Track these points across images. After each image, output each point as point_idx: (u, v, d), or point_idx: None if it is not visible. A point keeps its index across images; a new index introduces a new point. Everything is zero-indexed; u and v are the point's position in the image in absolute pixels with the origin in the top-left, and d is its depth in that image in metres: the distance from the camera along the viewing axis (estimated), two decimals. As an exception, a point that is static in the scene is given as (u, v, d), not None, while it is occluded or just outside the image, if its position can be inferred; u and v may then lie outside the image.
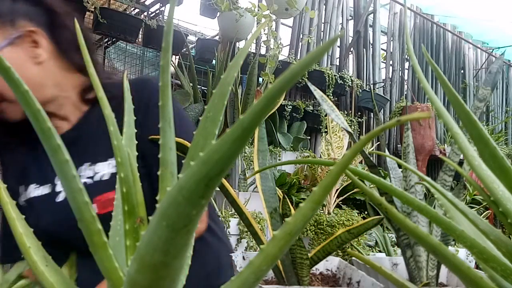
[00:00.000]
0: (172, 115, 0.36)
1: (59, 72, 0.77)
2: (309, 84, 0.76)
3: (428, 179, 0.47)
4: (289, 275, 0.66)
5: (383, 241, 1.59)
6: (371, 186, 1.34)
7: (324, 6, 3.94)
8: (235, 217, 1.95)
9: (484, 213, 2.18)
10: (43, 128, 0.30)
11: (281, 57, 3.10)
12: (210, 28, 5.65)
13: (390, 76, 4.45)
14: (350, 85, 3.75)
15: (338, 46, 4.11)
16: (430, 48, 4.89)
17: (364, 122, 3.93)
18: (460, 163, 0.63)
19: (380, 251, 1.63)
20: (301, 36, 3.76)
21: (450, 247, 0.58)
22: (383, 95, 4.11)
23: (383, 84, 4.31)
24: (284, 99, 3.23)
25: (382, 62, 4.40)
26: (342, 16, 4.08)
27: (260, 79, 2.90)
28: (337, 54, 4.14)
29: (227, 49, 2.77)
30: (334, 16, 3.96)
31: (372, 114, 3.96)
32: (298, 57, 3.70)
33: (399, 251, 1.38)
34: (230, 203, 0.67)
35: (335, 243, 0.65)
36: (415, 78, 4.57)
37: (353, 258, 0.70)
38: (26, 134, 0.72)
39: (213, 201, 2.03)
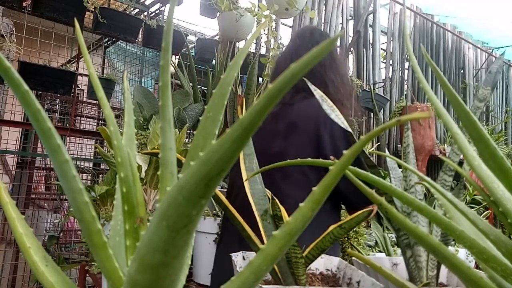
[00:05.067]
0: (172, 115, 0.36)
1: None
2: (309, 84, 0.76)
3: (428, 179, 0.47)
4: (285, 275, 0.66)
5: (383, 241, 1.59)
6: (371, 186, 1.34)
7: (324, 6, 3.93)
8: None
9: (484, 213, 2.18)
10: (43, 128, 0.30)
11: (281, 57, 3.09)
12: (210, 28, 5.65)
13: (390, 76, 4.45)
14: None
15: (338, 46, 4.11)
16: (430, 48, 4.89)
17: (364, 122, 3.93)
18: (460, 163, 0.63)
19: (380, 251, 1.63)
20: (301, 36, 3.76)
21: (450, 247, 0.58)
22: (383, 95, 4.10)
23: (383, 84, 4.31)
24: (284, 99, 3.23)
25: (382, 62, 4.39)
26: (342, 16, 4.07)
27: (260, 79, 2.90)
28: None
29: (227, 49, 2.77)
30: (334, 16, 3.95)
31: (372, 114, 3.95)
32: (298, 57, 3.70)
33: (399, 251, 1.38)
34: (222, 209, 0.67)
35: (328, 239, 0.65)
36: (415, 78, 4.57)
37: (353, 258, 0.70)
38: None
39: (213, 199, 2.02)
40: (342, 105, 1.23)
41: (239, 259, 0.76)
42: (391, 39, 4.50)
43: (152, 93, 2.38)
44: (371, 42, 4.21)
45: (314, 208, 0.28)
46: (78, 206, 0.32)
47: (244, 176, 0.72)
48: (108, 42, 3.78)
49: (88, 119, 4.53)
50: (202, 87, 3.21)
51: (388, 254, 1.46)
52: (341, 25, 4.07)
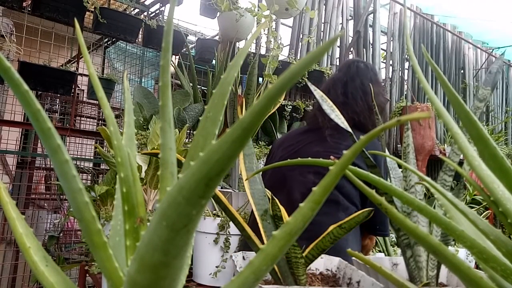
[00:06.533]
0: (172, 115, 0.36)
1: None
2: (309, 84, 0.76)
3: (428, 179, 0.47)
4: (285, 275, 0.66)
5: (382, 242, 1.60)
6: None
7: (324, 6, 3.93)
8: (235, 217, 1.94)
9: (484, 213, 2.18)
10: (43, 128, 0.30)
11: (281, 57, 3.10)
12: (210, 28, 5.65)
13: (390, 76, 4.44)
14: (350, 85, 3.74)
15: (338, 46, 4.11)
16: (430, 48, 4.89)
17: (364, 122, 3.92)
18: (460, 163, 0.63)
19: (380, 251, 1.63)
20: (301, 36, 3.76)
21: (450, 247, 0.58)
22: (383, 95, 4.10)
23: (383, 84, 4.31)
24: (284, 99, 3.23)
25: (382, 62, 4.39)
26: (342, 16, 4.07)
27: (260, 79, 2.90)
28: (337, 54, 4.13)
29: (227, 49, 2.77)
30: (334, 16, 3.95)
31: (372, 114, 3.94)
32: (298, 57, 3.70)
33: (399, 251, 1.38)
34: (222, 209, 0.67)
35: (327, 239, 0.65)
36: (415, 78, 4.57)
37: (353, 258, 0.70)
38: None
39: (213, 199, 2.02)
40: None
41: (239, 259, 0.76)
42: (391, 39, 4.50)
43: (152, 93, 2.38)
44: (371, 42, 4.21)
45: (314, 208, 0.28)
46: (78, 206, 0.32)
47: (244, 176, 0.72)
48: (108, 42, 3.78)
49: (88, 119, 4.53)
50: (202, 87, 3.21)
51: (388, 254, 1.46)
52: (341, 25, 4.07)
